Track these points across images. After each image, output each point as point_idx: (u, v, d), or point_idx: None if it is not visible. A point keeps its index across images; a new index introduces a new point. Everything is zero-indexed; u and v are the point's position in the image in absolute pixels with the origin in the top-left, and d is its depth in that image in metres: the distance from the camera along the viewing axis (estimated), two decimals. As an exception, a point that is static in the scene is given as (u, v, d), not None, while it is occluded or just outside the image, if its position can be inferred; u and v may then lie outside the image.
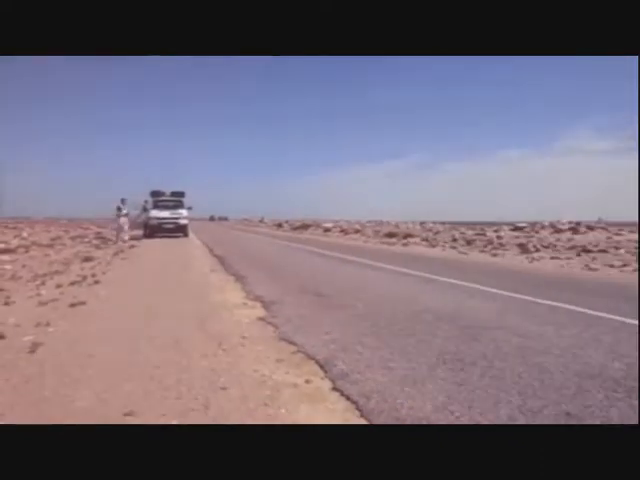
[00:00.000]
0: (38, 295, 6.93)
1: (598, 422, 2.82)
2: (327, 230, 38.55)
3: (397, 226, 41.58)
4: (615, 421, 2.84)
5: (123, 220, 21.66)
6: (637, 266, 11.33)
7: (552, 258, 14.03)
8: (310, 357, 4.15)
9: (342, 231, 36.10)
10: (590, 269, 11.23)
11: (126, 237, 21.63)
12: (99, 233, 27.80)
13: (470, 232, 30.76)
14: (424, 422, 2.86)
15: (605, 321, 5.44)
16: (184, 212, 26.97)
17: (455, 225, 44.38)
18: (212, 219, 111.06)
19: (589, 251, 15.52)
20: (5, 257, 12.57)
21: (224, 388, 3.36)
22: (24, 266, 10.80)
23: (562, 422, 2.82)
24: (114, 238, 21.49)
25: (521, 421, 2.84)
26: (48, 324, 5.11)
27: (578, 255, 14.71)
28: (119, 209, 21.72)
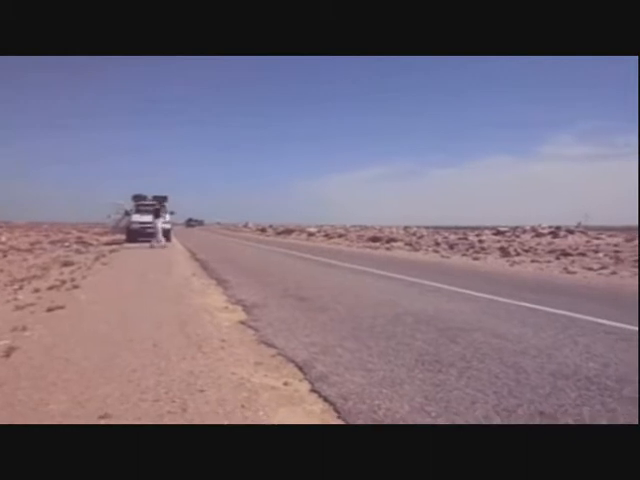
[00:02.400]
0: (15, 300, 6.82)
1: (571, 421, 2.87)
2: (311, 235, 38.59)
3: (381, 230, 41.74)
4: (586, 419, 2.88)
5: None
6: (614, 269, 11.54)
7: (532, 261, 14.22)
8: (290, 360, 4.15)
9: (326, 236, 36.16)
10: (569, 272, 11.40)
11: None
12: (80, 237, 27.46)
13: (453, 236, 31.03)
14: (409, 422, 2.88)
15: (581, 323, 5.53)
16: (167, 217, 26.75)
17: (439, 229, 44.70)
18: (190, 224, 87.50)
19: (568, 254, 15.76)
20: (-18, 262, 12.35)
21: (202, 390, 3.34)
22: (1, 271, 10.63)
23: (537, 421, 2.86)
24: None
25: (496, 421, 2.87)
26: (24, 328, 5.03)
27: (557, 258, 14.92)
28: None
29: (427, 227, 50.06)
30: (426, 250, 20.42)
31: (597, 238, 25.98)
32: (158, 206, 22.24)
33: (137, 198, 27.33)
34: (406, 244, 24.52)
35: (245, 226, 72.41)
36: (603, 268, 11.90)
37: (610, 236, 27.20)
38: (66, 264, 12.16)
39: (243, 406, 3.10)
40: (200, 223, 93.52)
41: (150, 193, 28.05)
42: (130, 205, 26.75)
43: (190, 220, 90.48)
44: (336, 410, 3.07)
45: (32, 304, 6.41)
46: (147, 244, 21.62)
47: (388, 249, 22.00)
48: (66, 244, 21.93)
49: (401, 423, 2.84)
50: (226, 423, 2.83)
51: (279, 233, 45.19)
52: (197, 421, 2.84)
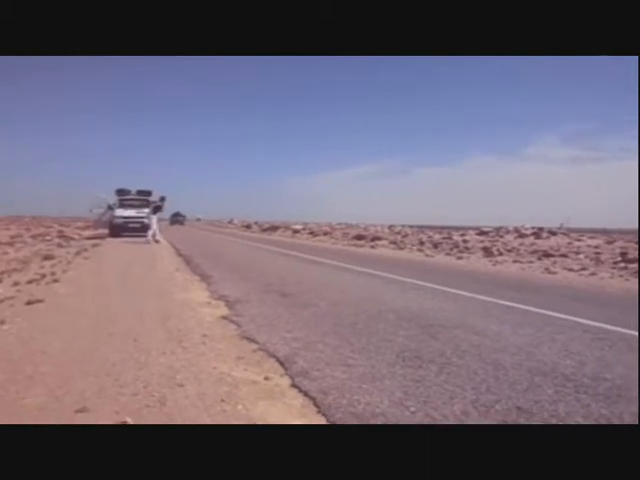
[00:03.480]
0: (-7, 293, 6.70)
1: (547, 415, 2.91)
2: (296, 232, 38.54)
3: (366, 229, 41.91)
4: (562, 414, 2.93)
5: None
6: (594, 270, 11.72)
7: (515, 261, 14.37)
8: (271, 355, 4.15)
9: (311, 233, 36.15)
10: (550, 272, 11.55)
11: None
12: (62, 232, 27.08)
13: (437, 236, 31.29)
14: (388, 416, 2.89)
15: (560, 321, 5.61)
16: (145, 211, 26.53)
17: (423, 228, 45.00)
18: (177, 221, 66.84)
19: (550, 255, 15.97)
20: (-40, 254, 12.12)
21: (181, 385, 3.33)
22: (-20, 264, 10.44)
23: (513, 416, 2.90)
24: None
25: (474, 416, 2.90)
26: (3, 322, 4.96)
27: (539, 259, 15.10)
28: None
29: (412, 226, 50.39)
30: (410, 249, 20.51)
31: (578, 240, 26.43)
32: (159, 203, 22.48)
33: (120, 192, 27.09)
34: (391, 242, 24.62)
35: (230, 222, 72.02)
36: (583, 269, 12.08)
37: (591, 238, 27.69)
38: (47, 258, 11.98)
39: (223, 400, 3.09)
40: (184, 218, 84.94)
41: (134, 188, 27.86)
42: (113, 199, 26.52)
43: (176, 215, 70.31)
44: (316, 405, 3.08)
45: (11, 297, 6.32)
46: (128, 239, 21.54)
47: (373, 247, 22.06)
48: (47, 238, 21.61)
49: (397, 423, 2.78)
50: (204, 418, 2.82)
51: (264, 230, 45.06)
52: (175, 415, 2.83)
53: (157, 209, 22.01)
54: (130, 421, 2.71)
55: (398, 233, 35.06)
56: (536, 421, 2.83)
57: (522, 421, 2.83)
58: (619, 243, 22.79)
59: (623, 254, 15.14)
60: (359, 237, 28.66)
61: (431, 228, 47.02)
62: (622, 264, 12.94)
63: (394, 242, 24.70)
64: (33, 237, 21.78)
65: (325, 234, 34.16)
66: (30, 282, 7.82)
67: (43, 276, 8.50)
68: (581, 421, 2.84)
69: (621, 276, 10.72)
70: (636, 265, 12.29)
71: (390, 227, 45.89)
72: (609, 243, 23.29)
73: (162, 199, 22.85)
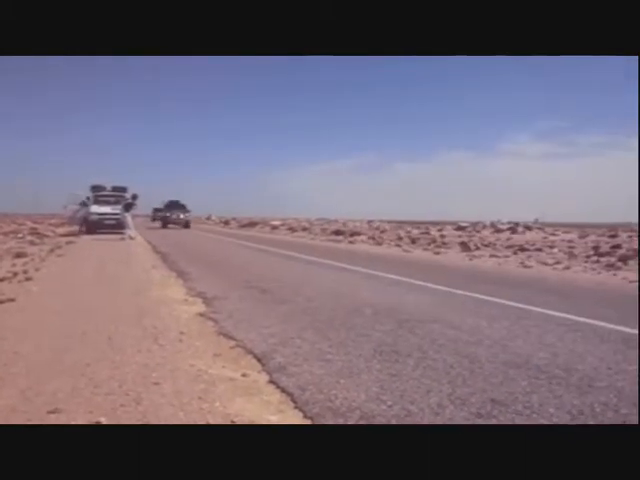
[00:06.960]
0: (-38, 292, 6.53)
1: (520, 406, 2.96)
2: (275, 228, 38.48)
3: (345, 224, 42.06)
4: (535, 406, 2.98)
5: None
6: (568, 264, 11.96)
7: (491, 256, 14.57)
8: (248, 351, 4.13)
9: (290, 229, 36.11)
10: (525, 266, 11.74)
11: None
12: (35, 229, 26.51)
13: (415, 231, 31.61)
14: (365, 410, 2.90)
15: (534, 314, 5.71)
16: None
17: (401, 224, 45.33)
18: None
19: (525, 250, 16.25)
20: None
21: (157, 383, 3.29)
22: (-51, 262, 10.15)
23: (488, 408, 2.94)
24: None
25: (449, 409, 2.93)
26: (-28, 321, 4.83)
27: (515, 253, 15.35)
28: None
29: (391, 222, 50.64)
30: (389, 244, 20.65)
31: (553, 234, 26.97)
32: (131, 200, 22.26)
33: (96, 189, 26.70)
34: (369, 238, 24.73)
35: (208, 219, 71.37)
36: (557, 263, 12.31)
37: (565, 232, 28.28)
38: (19, 255, 11.72)
39: (200, 398, 3.07)
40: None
41: (109, 184, 27.48)
42: (88, 195, 26.13)
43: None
44: (293, 400, 3.07)
45: (-19, 296, 6.15)
46: (102, 235, 21.26)
47: (351, 242, 22.14)
48: (19, 235, 21.12)
49: (395, 424, 2.72)
50: (180, 415, 2.80)
51: (243, 226, 44.83)
52: (151, 413, 2.80)
53: (129, 207, 21.84)
54: (104, 421, 2.67)
55: (377, 229, 35.28)
56: (510, 413, 2.88)
57: (496, 413, 2.88)
58: (592, 237, 23.33)
59: (595, 248, 15.48)
60: (338, 233, 28.73)
61: (409, 223, 47.38)
62: (594, 258, 13.23)
63: (372, 238, 24.83)
64: (4, 234, 21.27)
65: (304, 230, 34.17)
66: (1, 280, 7.64)
67: (15, 274, 8.31)
68: (553, 411, 2.90)
69: (594, 269, 10.96)
70: (607, 259, 12.58)
71: (369, 223, 46.11)
72: (582, 237, 23.81)
73: (134, 197, 22.65)
